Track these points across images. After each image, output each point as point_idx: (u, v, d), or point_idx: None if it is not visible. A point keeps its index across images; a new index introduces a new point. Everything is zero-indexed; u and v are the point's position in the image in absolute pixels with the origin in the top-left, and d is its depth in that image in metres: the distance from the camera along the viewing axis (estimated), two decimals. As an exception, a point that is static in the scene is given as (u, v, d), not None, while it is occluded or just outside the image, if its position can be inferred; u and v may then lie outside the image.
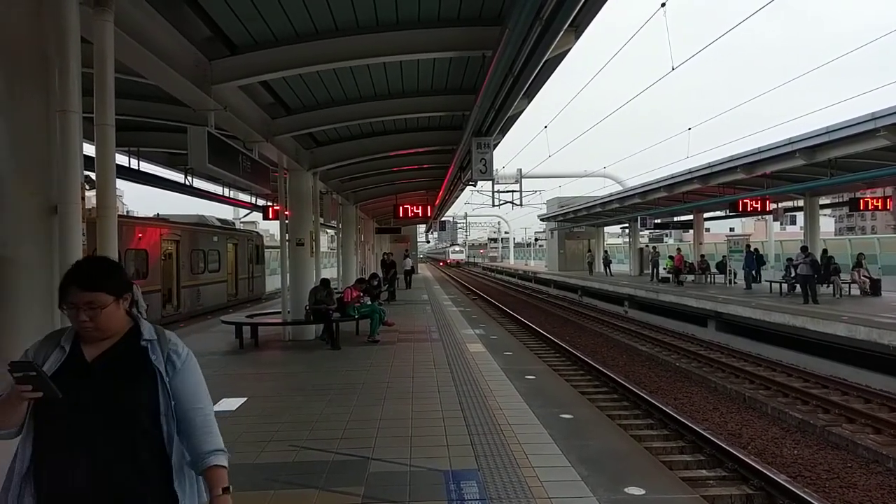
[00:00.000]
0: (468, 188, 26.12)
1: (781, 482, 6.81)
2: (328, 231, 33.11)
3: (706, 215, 30.94)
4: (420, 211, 19.70)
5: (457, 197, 24.80)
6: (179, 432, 1.99)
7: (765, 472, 7.12)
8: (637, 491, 4.60)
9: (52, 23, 3.66)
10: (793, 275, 19.09)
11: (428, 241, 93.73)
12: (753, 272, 23.34)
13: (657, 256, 30.82)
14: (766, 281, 22.62)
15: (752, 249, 23.92)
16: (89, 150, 4.15)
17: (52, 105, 3.65)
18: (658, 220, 32.79)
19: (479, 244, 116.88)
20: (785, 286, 20.15)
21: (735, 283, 24.51)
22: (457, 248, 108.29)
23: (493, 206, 43.31)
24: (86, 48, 3.85)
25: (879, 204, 20.22)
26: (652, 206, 29.39)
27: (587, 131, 25.93)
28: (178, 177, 16.16)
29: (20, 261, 3.60)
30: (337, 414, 6.78)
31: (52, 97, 3.65)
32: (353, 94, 10.03)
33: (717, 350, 16.34)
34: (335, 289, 13.85)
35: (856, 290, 19.49)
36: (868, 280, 19.31)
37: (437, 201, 20.97)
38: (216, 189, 19.42)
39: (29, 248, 3.61)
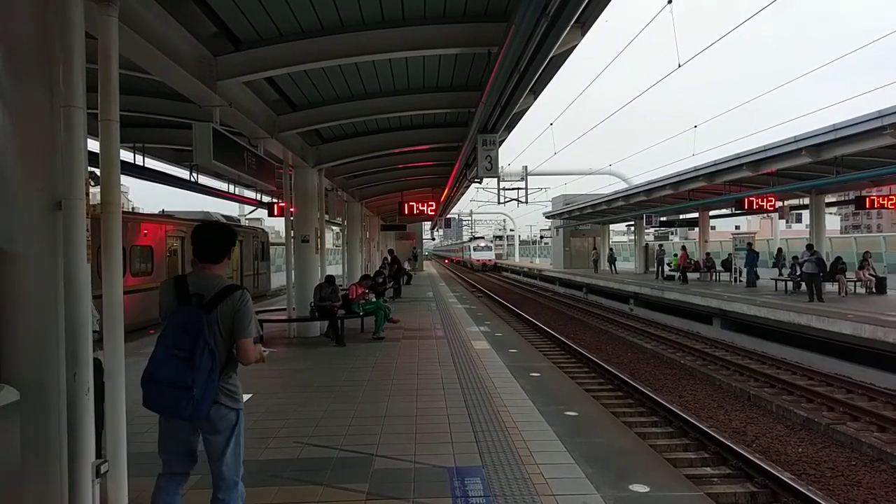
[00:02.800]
0: (473, 185, 26.16)
1: (786, 480, 6.80)
2: (333, 228, 33.13)
3: (711, 213, 30.86)
4: (425, 208, 19.67)
5: (462, 194, 24.79)
6: None
7: (769, 469, 7.11)
8: (641, 488, 4.59)
9: (56, 18, 3.64)
10: (798, 273, 19.03)
11: (433, 238, 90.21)
12: (755, 270, 23.33)
13: (662, 254, 30.76)
14: (771, 279, 22.55)
15: (752, 248, 23.88)
16: (94, 145, 4.15)
17: (56, 100, 3.63)
18: (663, 218, 32.70)
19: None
20: (790, 284, 20.08)
21: (740, 280, 24.47)
22: (482, 243, 72.65)
23: (499, 203, 43.19)
24: (90, 44, 3.83)
25: (885, 202, 20.11)
26: (657, 204, 29.31)
27: (593, 128, 25.90)
28: (183, 173, 16.19)
29: (25, 256, 3.59)
30: (341, 410, 6.79)
31: (57, 93, 3.64)
32: (358, 90, 10.03)
33: (722, 348, 16.32)
34: (340, 286, 13.86)
35: (861, 289, 19.42)
36: (873, 278, 19.24)
37: (443, 198, 20.95)
38: (221, 186, 19.45)
39: (33, 243, 3.61)
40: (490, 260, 68.45)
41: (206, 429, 3.33)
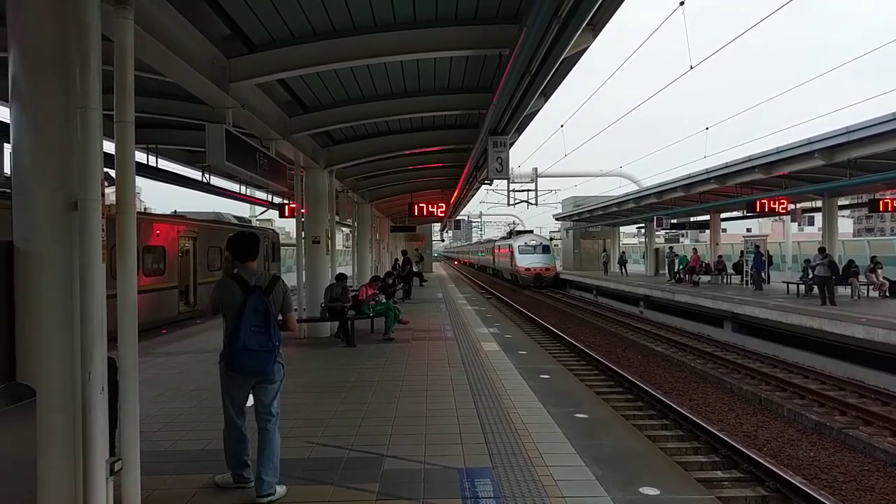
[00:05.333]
0: (483, 187, 26.14)
1: (797, 484, 6.76)
2: (343, 229, 33.22)
3: (723, 216, 30.70)
4: (435, 209, 19.69)
5: (472, 196, 24.80)
6: None
7: (781, 473, 7.08)
8: (652, 491, 4.58)
9: (73, 21, 3.69)
10: (810, 276, 18.92)
11: (443, 240, 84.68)
12: (763, 273, 23.21)
13: (674, 256, 30.65)
14: (784, 282, 22.42)
15: (760, 251, 23.75)
16: (109, 147, 4.20)
17: (72, 102, 3.68)
18: (674, 221, 32.56)
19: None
20: (802, 287, 19.96)
21: (752, 284, 24.36)
22: (532, 240, 43.31)
23: (509, 205, 43.10)
24: (106, 46, 3.88)
25: (899, 205, 19.91)
26: (668, 206, 29.19)
27: (604, 130, 25.83)
28: (195, 174, 16.31)
29: (41, 255, 3.64)
30: (352, 411, 6.81)
31: (73, 94, 3.68)
32: (369, 92, 10.06)
33: (734, 351, 16.23)
34: (350, 287, 13.91)
35: (874, 292, 19.28)
36: (887, 282, 19.09)
37: (453, 200, 20.96)
38: (233, 187, 19.57)
39: (50, 243, 3.65)
40: (548, 269, 40.63)
41: (266, 380, 4.46)
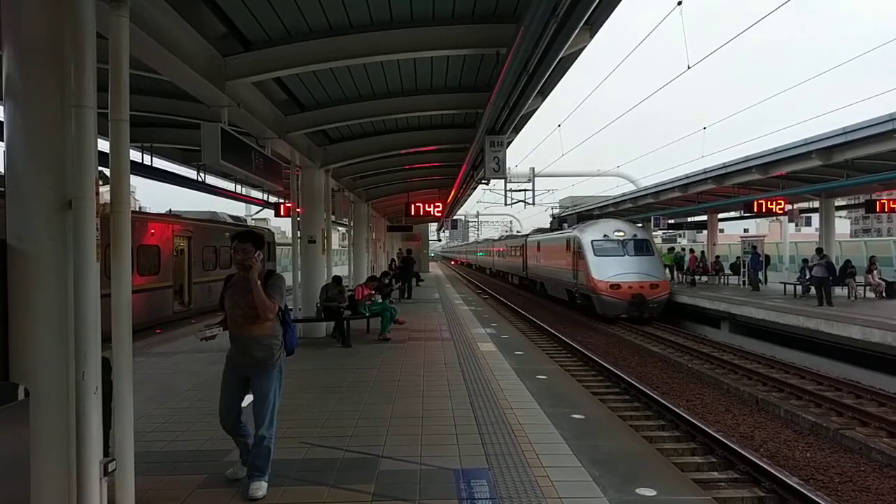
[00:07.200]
0: (480, 187, 26.10)
1: (794, 485, 6.76)
2: (340, 228, 33.18)
3: (720, 216, 30.75)
4: (432, 209, 19.67)
5: (469, 195, 24.77)
6: None
7: (777, 474, 7.07)
8: (648, 492, 4.57)
9: (68, 18, 3.66)
10: (807, 276, 18.96)
11: (440, 240, 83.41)
12: (760, 274, 23.25)
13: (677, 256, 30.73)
14: (781, 282, 22.47)
15: (757, 251, 23.80)
16: (104, 145, 4.18)
17: (67, 100, 3.65)
18: (671, 221, 32.57)
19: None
20: (799, 288, 20.00)
21: (749, 284, 24.40)
22: (618, 230, 23.50)
23: (506, 204, 43.15)
24: (101, 44, 3.85)
25: (896, 206, 19.96)
26: (665, 206, 29.20)
27: (601, 130, 25.80)
28: (190, 173, 16.26)
29: (35, 254, 3.62)
30: (347, 411, 6.79)
31: (68, 92, 3.65)
32: (366, 91, 10.03)
33: (730, 352, 16.24)
34: (346, 286, 13.88)
35: (871, 293, 19.33)
36: (883, 283, 19.13)
37: (450, 199, 20.92)
38: (228, 186, 19.53)
39: (44, 242, 3.63)
40: (656, 285, 21.93)
41: None
